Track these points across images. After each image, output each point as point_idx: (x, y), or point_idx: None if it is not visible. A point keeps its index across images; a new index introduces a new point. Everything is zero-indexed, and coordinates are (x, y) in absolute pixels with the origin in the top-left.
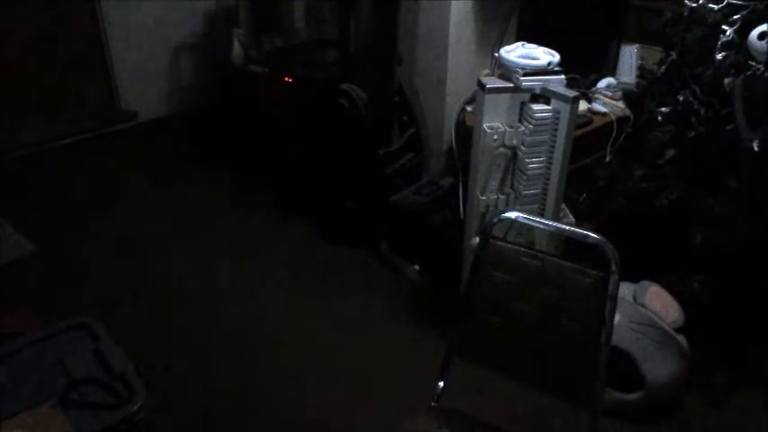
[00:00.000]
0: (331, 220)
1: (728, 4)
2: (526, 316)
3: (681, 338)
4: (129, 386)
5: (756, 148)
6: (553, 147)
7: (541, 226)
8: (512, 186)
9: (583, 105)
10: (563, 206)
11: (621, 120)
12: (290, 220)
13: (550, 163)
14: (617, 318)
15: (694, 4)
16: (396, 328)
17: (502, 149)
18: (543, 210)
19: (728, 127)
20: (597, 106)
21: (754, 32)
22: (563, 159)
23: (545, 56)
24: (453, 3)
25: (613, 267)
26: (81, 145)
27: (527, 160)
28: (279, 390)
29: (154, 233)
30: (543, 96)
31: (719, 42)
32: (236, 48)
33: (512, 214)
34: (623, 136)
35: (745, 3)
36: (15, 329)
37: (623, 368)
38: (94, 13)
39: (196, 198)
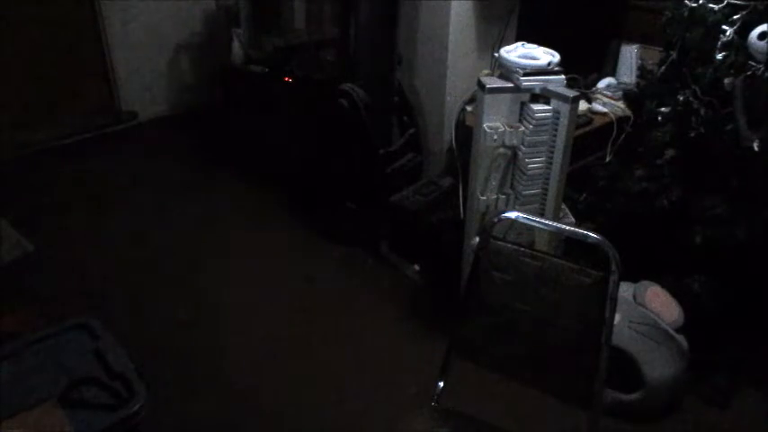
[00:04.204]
0: (331, 220)
1: (728, 4)
2: (526, 316)
3: (681, 338)
4: (129, 386)
5: (756, 148)
6: (553, 147)
7: (541, 226)
8: (512, 186)
9: (583, 105)
10: (563, 206)
11: (621, 120)
12: (290, 219)
13: (550, 163)
14: (617, 318)
15: (694, 4)
16: (396, 327)
17: (502, 149)
18: (543, 210)
19: (728, 127)
20: (597, 106)
21: (754, 32)
22: (563, 159)
23: (545, 56)
24: (453, 3)
25: (613, 267)
26: (81, 145)
27: (527, 160)
28: (278, 389)
29: (154, 233)
30: (543, 96)
31: (719, 42)
32: (236, 48)
33: (512, 214)
34: (623, 136)
35: (745, 3)
36: (15, 329)
37: (623, 368)
38: (94, 12)
39: (196, 198)
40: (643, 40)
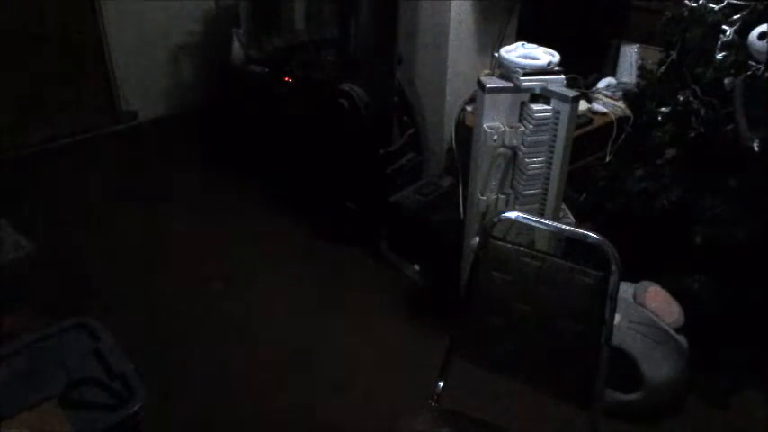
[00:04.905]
0: (331, 219)
1: (728, 4)
2: (526, 316)
3: (681, 338)
4: (128, 386)
5: (756, 148)
6: (553, 147)
7: (541, 226)
8: (512, 186)
9: (583, 105)
10: (563, 206)
11: (621, 120)
12: (290, 219)
13: (550, 163)
14: (617, 318)
15: (694, 4)
16: (395, 327)
17: (502, 149)
18: (543, 210)
19: (728, 127)
20: (597, 106)
21: (754, 32)
22: (563, 159)
23: (545, 56)
24: (453, 3)
25: (613, 267)
26: (81, 145)
27: (527, 160)
28: (278, 389)
29: (154, 233)
30: (543, 96)
31: (719, 42)
32: (236, 48)
33: (512, 214)
34: (623, 136)
35: (745, 3)
36: (15, 329)
37: (623, 368)
38: (94, 13)
39: (196, 198)
40: (643, 40)
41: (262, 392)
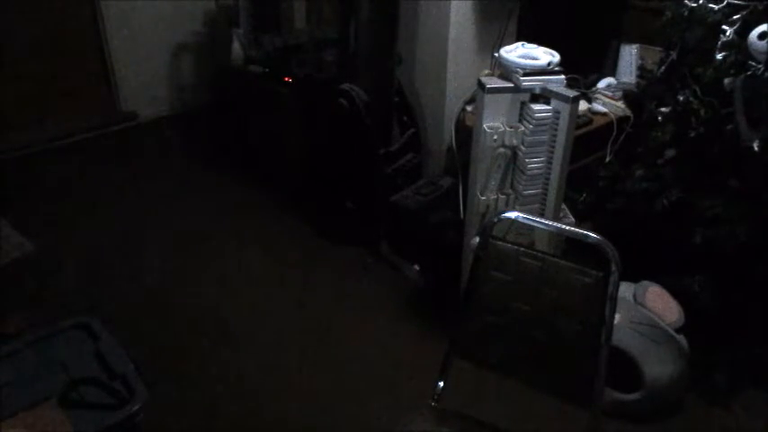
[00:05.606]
0: (331, 219)
1: (728, 4)
2: (526, 316)
3: (681, 338)
4: (129, 386)
5: (756, 148)
6: (553, 147)
7: (541, 226)
8: (512, 186)
9: (583, 105)
10: (563, 206)
11: (621, 120)
12: (290, 219)
13: (550, 163)
14: (617, 318)
15: (694, 4)
16: (395, 328)
17: (502, 149)
18: (543, 210)
19: (728, 127)
20: (597, 106)
21: (754, 32)
22: (563, 159)
23: (545, 56)
24: (453, 3)
25: (613, 267)
26: (81, 145)
27: (527, 160)
28: (278, 389)
29: (154, 233)
30: (543, 96)
31: (719, 42)
32: (236, 48)
33: (512, 214)
34: (623, 136)
35: (745, 3)
36: (15, 329)
37: (623, 368)
38: (94, 12)
39: (196, 198)
40: (643, 40)
41: (261, 392)
